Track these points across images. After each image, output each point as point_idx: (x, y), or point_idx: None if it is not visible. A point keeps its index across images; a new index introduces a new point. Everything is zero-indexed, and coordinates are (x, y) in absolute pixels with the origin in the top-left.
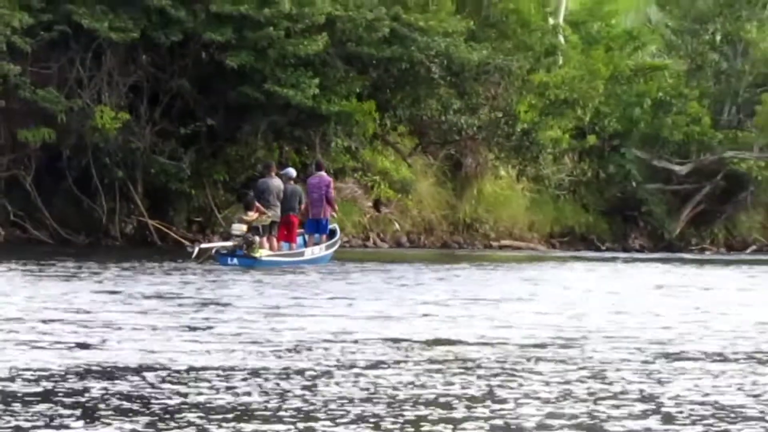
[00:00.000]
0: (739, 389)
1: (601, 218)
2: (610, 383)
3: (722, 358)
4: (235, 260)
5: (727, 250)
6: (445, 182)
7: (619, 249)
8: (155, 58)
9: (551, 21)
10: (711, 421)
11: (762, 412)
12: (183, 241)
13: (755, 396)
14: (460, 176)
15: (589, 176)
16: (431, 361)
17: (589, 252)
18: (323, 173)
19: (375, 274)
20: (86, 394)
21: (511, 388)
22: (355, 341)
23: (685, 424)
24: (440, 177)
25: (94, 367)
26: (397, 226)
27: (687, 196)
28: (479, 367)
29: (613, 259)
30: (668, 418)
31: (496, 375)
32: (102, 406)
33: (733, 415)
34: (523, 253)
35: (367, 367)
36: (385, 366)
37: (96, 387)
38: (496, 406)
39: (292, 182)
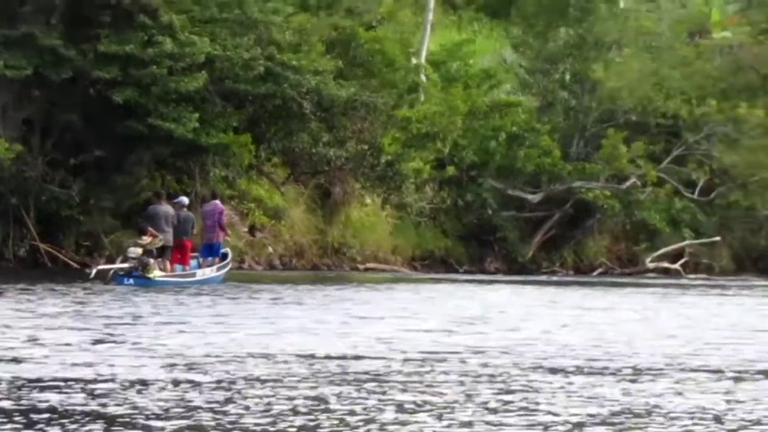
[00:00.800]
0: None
1: (459, 243)
2: (504, 393)
3: (596, 371)
4: (131, 280)
5: (575, 273)
6: (315, 209)
7: (476, 271)
8: (47, 93)
9: (414, 61)
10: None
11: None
12: (72, 263)
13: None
14: (329, 204)
15: (449, 204)
16: (331, 374)
17: (448, 274)
18: (217, 201)
19: (263, 294)
20: (14, 406)
21: (412, 399)
22: (247, 356)
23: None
24: (311, 204)
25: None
26: (270, 249)
27: (539, 223)
28: (376, 379)
29: (474, 281)
30: (549, 426)
31: (393, 386)
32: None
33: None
34: (389, 275)
35: (269, 381)
36: (287, 380)
37: (20, 399)
38: (399, 416)
39: (185, 209)
